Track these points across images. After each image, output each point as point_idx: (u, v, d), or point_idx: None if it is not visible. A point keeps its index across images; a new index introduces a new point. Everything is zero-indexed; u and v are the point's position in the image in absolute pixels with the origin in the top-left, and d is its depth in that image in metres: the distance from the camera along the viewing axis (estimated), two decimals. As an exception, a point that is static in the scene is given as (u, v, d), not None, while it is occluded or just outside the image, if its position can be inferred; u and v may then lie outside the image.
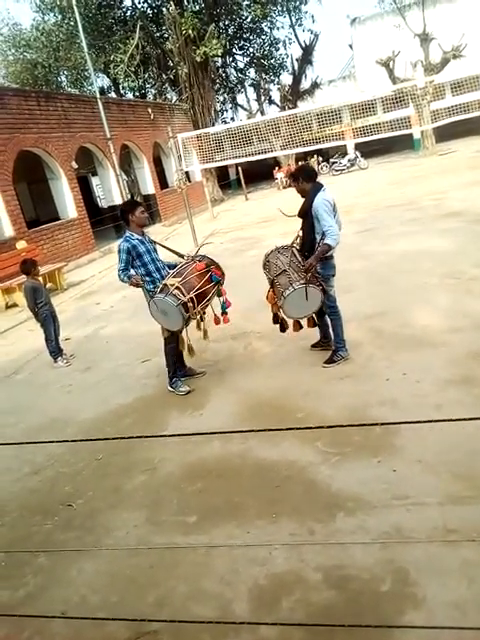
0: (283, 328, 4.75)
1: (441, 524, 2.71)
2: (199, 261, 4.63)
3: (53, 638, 2.59)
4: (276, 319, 4.73)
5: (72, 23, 23.72)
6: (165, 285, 4.45)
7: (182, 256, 4.89)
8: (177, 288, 4.37)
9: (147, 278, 4.67)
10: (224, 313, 4.80)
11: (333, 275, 4.62)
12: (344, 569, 2.57)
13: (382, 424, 3.50)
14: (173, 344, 4.78)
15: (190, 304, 4.38)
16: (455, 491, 2.92)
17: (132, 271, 4.69)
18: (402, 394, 4.01)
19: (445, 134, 23.84)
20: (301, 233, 4.67)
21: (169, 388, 4.94)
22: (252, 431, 3.60)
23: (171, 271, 4.69)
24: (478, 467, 3.06)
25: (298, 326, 4.65)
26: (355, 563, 2.60)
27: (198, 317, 4.58)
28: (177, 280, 4.43)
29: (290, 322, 4.66)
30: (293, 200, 4.71)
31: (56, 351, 6.37)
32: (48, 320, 6.26)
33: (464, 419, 3.43)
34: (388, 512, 2.87)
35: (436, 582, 2.40)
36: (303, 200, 4.58)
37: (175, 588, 2.69)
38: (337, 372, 4.60)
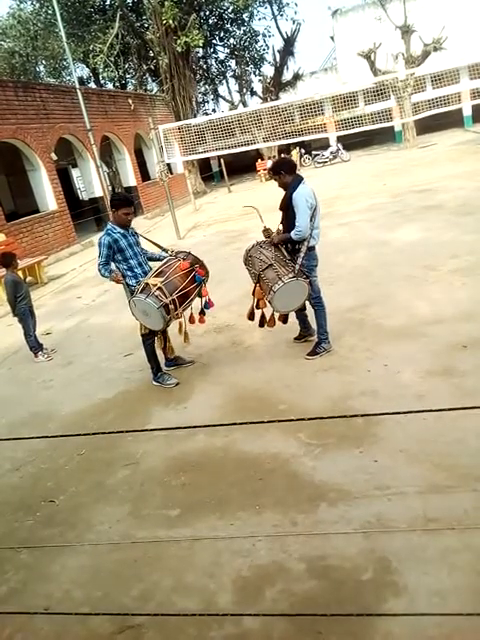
0: (262, 323, 4.74)
1: (422, 513, 2.74)
2: (183, 259, 4.49)
3: (36, 634, 2.57)
4: (251, 316, 4.68)
5: (50, 11, 23.32)
6: (146, 284, 4.31)
7: (166, 250, 4.80)
8: (159, 289, 4.24)
9: (129, 273, 4.58)
10: (202, 314, 4.72)
11: (316, 266, 4.66)
12: (326, 559, 2.60)
13: (363, 415, 3.52)
14: (150, 340, 4.72)
15: (171, 306, 4.26)
16: (436, 480, 2.96)
17: (113, 265, 4.60)
18: (384, 385, 4.05)
19: (426, 126, 23.99)
20: (281, 226, 4.66)
21: (154, 382, 4.90)
22: (234, 424, 3.61)
23: (154, 267, 4.59)
24: (458, 457, 3.10)
25: (280, 319, 4.65)
26: (337, 553, 2.62)
27: (180, 318, 4.49)
28: (159, 280, 4.29)
29: (268, 314, 4.64)
30: (276, 194, 4.70)
31: (36, 346, 6.30)
32: (26, 315, 6.18)
33: (445, 409, 3.49)
34: (370, 502, 2.90)
35: (417, 570, 2.44)
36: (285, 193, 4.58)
37: (159, 582, 2.69)
38: (319, 364, 4.62)
